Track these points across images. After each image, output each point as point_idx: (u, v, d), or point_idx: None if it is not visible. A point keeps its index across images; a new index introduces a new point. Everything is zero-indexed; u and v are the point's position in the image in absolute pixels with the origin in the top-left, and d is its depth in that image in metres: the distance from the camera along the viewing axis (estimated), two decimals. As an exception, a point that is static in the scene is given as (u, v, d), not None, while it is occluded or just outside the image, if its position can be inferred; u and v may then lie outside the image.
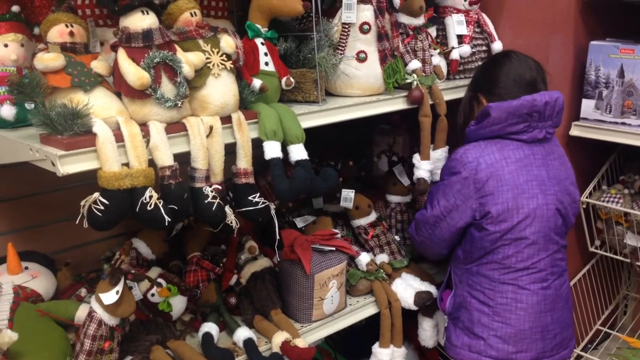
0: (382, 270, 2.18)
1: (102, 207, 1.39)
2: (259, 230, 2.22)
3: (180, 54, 1.53)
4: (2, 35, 1.65)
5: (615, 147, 2.57)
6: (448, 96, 2.21)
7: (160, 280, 1.82)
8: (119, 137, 1.43)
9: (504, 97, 1.89)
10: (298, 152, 1.75)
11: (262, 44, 1.79)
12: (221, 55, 1.61)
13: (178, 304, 1.85)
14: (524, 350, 1.91)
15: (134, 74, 1.45)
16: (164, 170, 1.51)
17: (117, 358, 1.63)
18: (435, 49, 2.26)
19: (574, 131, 2.39)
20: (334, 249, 1.99)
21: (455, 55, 2.30)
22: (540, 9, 2.31)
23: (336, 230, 2.12)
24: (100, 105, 1.45)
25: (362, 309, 2.11)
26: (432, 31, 2.31)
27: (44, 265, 1.88)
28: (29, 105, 1.45)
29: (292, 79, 1.83)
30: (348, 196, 2.22)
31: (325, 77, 1.95)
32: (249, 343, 1.81)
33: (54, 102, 1.41)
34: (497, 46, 2.37)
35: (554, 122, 1.91)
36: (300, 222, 2.25)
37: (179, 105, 1.52)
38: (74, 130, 1.38)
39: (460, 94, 2.27)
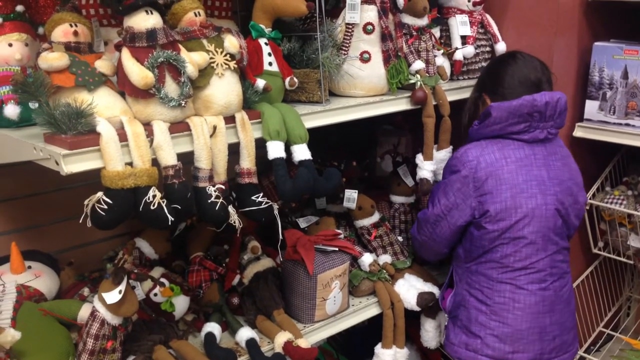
0: (384, 271, 2.18)
1: (105, 207, 1.40)
2: (261, 230, 2.22)
3: (184, 53, 1.53)
4: (6, 34, 1.65)
5: (619, 148, 2.57)
6: (451, 97, 2.21)
7: (163, 280, 1.82)
8: (122, 137, 1.43)
9: (508, 98, 1.90)
10: (301, 152, 1.75)
11: (265, 44, 1.79)
12: (225, 55, 1.61)
13: (181, 303, 1.85)
14: (521, 351, 1.90)
15: (138, 73, 1.45)
16: (168, 169, 1.51)
17: (119, 357, 1.63)
18: (438, 50, 2.26)
19: (578, 132, 2.39)
20: (336, 249, 1.99)
21: (458, 56, 2.30)
22: (544, 10, 2.31)
23: (339, 231, 2.12)
24: (104, 105, 1.45)
25: (365, 310, 2.11)
26: (436, 32, 2.31)
27: (47, 265, 1.88)
28: (33, 105, 1.45)
29: (295, 79, 1.83)
30: (351, 197, 2.22)
31: (329, 78, 1.95)
32: (251, 343, 1.81)
33: (58, 102, 1.41)
34: (501, 47, 2.36)
35: (556, 122, 1.91)
36: (303, 223, 2.25)
37: (183, 104, 1.52)
38: (78, 129, 1.38)
39: (463, 94, 2.27)
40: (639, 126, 2.25)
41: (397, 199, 2.44)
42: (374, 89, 2.01)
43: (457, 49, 2.30)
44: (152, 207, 1.45)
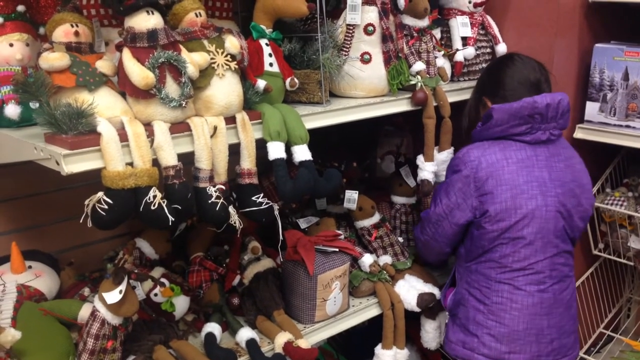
0: (385, 272, 2.18)
1: (106, 207, 1.40)
2: (262, 230, 2.22)
3: (184, 54, 1.53)
4: (7, 34, 1.65)
5: (620, 149, 2.57)
6: (452, 98, 2.21)
7: (163, 280, 1.82)
8: (123, 137, 1.43)
9: (509, 99, 1.90)
10: (302, 153, 1.76)
11: (266, 44, 1.80)
12: (226, 56, 1.61)
13: (181, 304, 1.85)
14: (517, 352, 1.90)
15: (139, 73, 1.45)
16: (168, 170, 1.51)
17: (119, 357, 1.63)
18: (439, 51, 2.26)
19: (578, 134, 2.39)
20: (337, 250, 1.99)
21: (459, 57, 2.30)
22: (544, 11, 2.31)
23: (339, 232, 2.12)
24: (104, 105, 1.45)
25: (365, 310, 2.11)
26: (437, 33, 2.31)
27: (47, 265, 1.88)
28: (34, 105, 1.46)
29: (296, 80, 1.83)
30: (352, 197, 2.22)
31: (330, 78, 1.95)
32: (251, 343, 1.81)
33: (59, 102, 1.41)
34: (502, 48, 2.37)
35: (558, 123, 1.91)
36: (303, 223, 2.25)
37: (183, 105, 1.52)
38: (79, 129, 1.38)
39: (464, 95, 2.27)
40: (639, 128, 2.25)
41: (399, 199, 2.44)
42: (375, 90, 2.01)
43: (457, 50, 2.31)
44: (152, 208, 1.45)
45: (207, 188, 1.60)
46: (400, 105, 2.07)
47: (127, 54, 1.48)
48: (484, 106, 2.02)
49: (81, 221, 1.40)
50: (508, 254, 1.89)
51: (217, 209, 1.60)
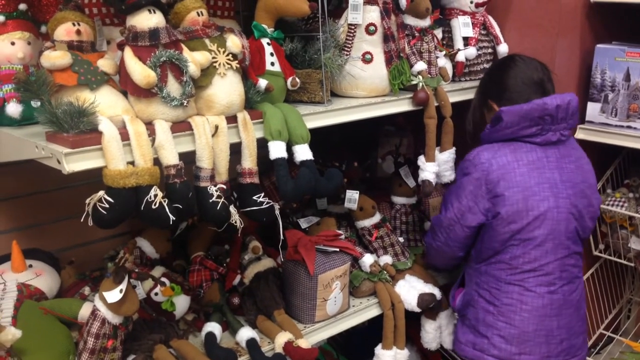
0: (385, 272, 2.18)
1: (107, 206, 1.40)
2: (262, 230, 2.22)
3: (186, 53, 1.53)
4: (9, 33, 1.65)
5: (621, 150, 2.56)
6: (453, 98, 2.21)
7: (163, 279, 1.82)
8: (124, 136, 1.43)
9: (515, 101, 1.91)
10: (303, 153, 1.76)
11: (268, 44, 1.79)
12: (227, 55, 1.61)
13: (181, 303, 1.85)
14: (527, 353, 1.90)
15: (140, 72, 1.45)
16: (169, 169, 1.51)
17: (120, 357, 1.63)
18: (441, 51, 2.26)
19: (579, 134, 2.38)
20: (337, 250, 1.99)
21: (461, 57, 2.30)
22: (546, 11, 2.31)
23: (340, 232, 2.12)
24: (106, 104, 1.45)
25: (365, 311, 2.11)
26: (438, 33, 2.31)
27: (48, 264, 1.88)
28: (35, 103, 1.46)
29: (297, 80, 1.83)
30: (352, 197, 2.22)
31: (331, 78, 1.95)
32: (251, 343, 1.81)
33: (60, 100, 1.41)
34: (503, 48, 2.36)
35: (568, 124, 1.91)
36: (304, 223, 2.25)
37: (185, 104, 1.52)
38: (80, 128, 1.38)
39: (465, 96, 2.27)
40: (640, 128, 2.25)
41: (399, 199, 2.44)
42: (376, 90, 2.01)
43: (459, 50, 2.30)
44: (153, 207, 1.45)
45: (208, 187, 1.60)
46: (402, 105, 2.07)
47: (128, 53, 1.48)
48: (490, 109, 2.02)
49: (82, 220, 1.40)
50: (518, 255, 1.88)
51: (218, 208, 1.60)
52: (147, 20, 1.49)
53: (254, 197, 1.71)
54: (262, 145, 1.72)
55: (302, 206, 2.41)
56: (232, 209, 1.65)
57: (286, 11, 1.78)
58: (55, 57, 1.43)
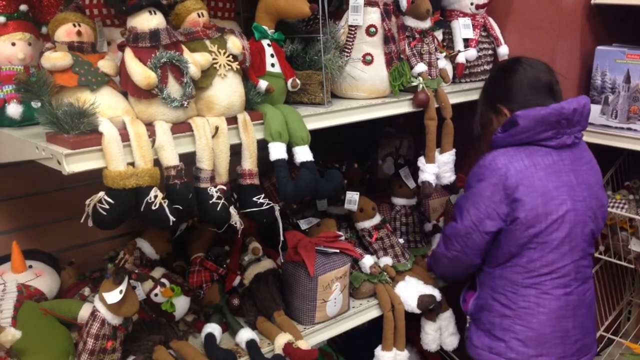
0: (385, 273, 2.18)
1: (107, 206, 1.40)
2: (262, 231, 2.22)
3: (187, 54, 1.53)
4: (10, 34, 1.66)
5: (621, 152, 2.57)
6: (454, 99, 2.21)
7: (163, 280, 1.82)
8: (124, 137, 1.43)
9: (528, 104, 1.90)
10: (303, 154, 1.76)
11: (268, 45, 1.80)
12: (228, 56, 1.61)
13: (181, 304, 1.85)
14: (544, 354, 1.91)
15: (141, 73, 1.45)
16: (169, 170, 1.51)
17: (119, 357, 1.63)
18: (441, 53, 2.26)
19: (580, 136, 2.38)
20: (337, 251, 1.99)
21: (461, 58, 2.30)
22: (546, 13, 2.31)
23: (340, 233, 2.12)
24: (106, 105, 1.45)
25: (365, 312, 2.11)
26: (439, 34, 2.31)
27: (48, 264, 1.88)
28: (36, 104, 1.46)
29: (298, 81, 1.83)
30: (352, 198, 2.22)
31: (331, 79, 1.95)
32: (251, 344, 1.80)
33: (61, 101, 1.41)
34: (504, 50, 2.37)
35: (582, 126, 1.92)
36: (304, 224, 2.24)
37: (185, 105, 1.52)
38: (80, 129, 1.38)
39: (466, 97, 2.27)
40: (640, 130, 2.25)
41: (399, 201, 2.44)
42: (376, 91, 2.01)
43: (459, 51, 2.30)
44: (153, 208, 1.45)
45: (208, 188, 1.60)
46: (402, 106, 2.07)
47: (129, 54, 1.48)
48: (499, 112, 2.01)
49: (82, 221, 1.40)
50: (535, 258, 1.88)
51: (218, 209, 1.60)
52: (148, 21, 1.49)
53: (254, 198, 1.71)
54: (262, 147, 1.72)
55: (302, 207, 2.41)
56: (232, 210, 1.65)
57: (287, 12, 1.78)
58: (56, 58, 1.43)
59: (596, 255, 2.60)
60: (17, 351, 1.49)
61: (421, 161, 2.18)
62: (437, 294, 2.17)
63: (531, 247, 1.87)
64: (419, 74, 2.08)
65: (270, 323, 1.91)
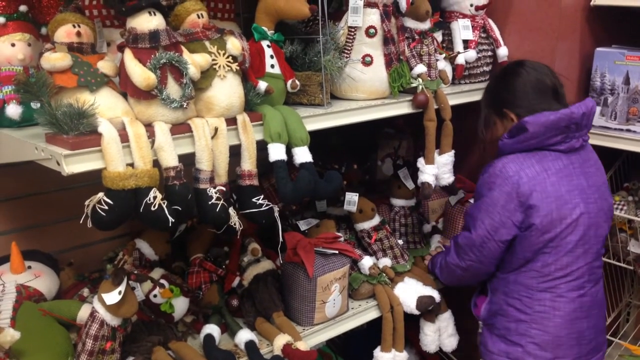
0: (384, 274, 2.18)
1: (106, 207, 1.40)
2: (262, 232, 2.22)
3: (186, 55, 1.53)
4: (9, 34, 1.66)
5: (620, 154, 2.57)
6: (453, 101, 2.21)
7: (162, 281, 1.82)
8: (124, 138, 1.43)
9: (534, 108, 1.89)
10: (302, 155, 1.76)
11: (268, 46, 1.80)
12: (227, 57, 1.61)
13: (180, 305, 1.85)
14: (561, 357, 1.91)
15: (140, 74, 1.45)
16: (169, 171, 1.51)
17: (118, 358, 1.63)
18: (440, 54, 2.26)
19: (579, 137, 2.38)
20: (336, 252, 1.99)
21: (460, 60, 2.30)
22: (546, 15, 2.31)
23: (339, 234, 2.11)
24: (106, 106, 1.45)
25: (364, 313, 2.11)
26: (438, 36, 2.31)
27: (47, 265, 1.88)
28: (35, 105, 1.46)
29: (297, 82, 1.83)
30: (352, 199, 2.22)
31: (331, 80, 1.95)
32: (250, 345, 1.80)
33: (60, 102, 1.41)
34: (503, 51, 2.37)
35: (588, 129, 1.93)
36: (303, 225, 2.24)
37: (185, 106, 1.52)
38: (80, 130, 1.38)
39: (465, 98, 2.27)
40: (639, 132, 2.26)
41: (398, 202, 2.43)
42: (376, 92, 2.01)
43: (459, 53, 2.31)
44: (152, 208, 1.45)
45: (208, 189, 1.60)
46: (401, 107, 2.07)
47: (128, 55, 1.48)
48: (505, 118, 2.00)
49: (81, 221, 1.40)
50: (550, 262, 1.88)
51: (217, 210, 1.60)
52: (147, 22, 1.49)
53: (254, 199, 1.71)
54: (261, 148, 1.72)
55: (301, 208, 2.41)
56: (231, 211, 1.65)
57: (286, 14, 1.78)
58: (56, 59, 1.43)
59: (595, 256, 2.61)
60: (16, 352, 1.49)
61: (420, 162, 2.18)
62: (436, 295, 2.17)
63: (546, 252, 1.87)
64: (419, 75, 2.08)
65: (269, 324, 1.91)
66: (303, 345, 1.81)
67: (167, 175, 1.51)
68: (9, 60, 1.65)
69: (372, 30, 1.96)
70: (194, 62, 1.53)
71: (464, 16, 2.33)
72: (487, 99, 2.12)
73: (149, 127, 1.49)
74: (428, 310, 2.17)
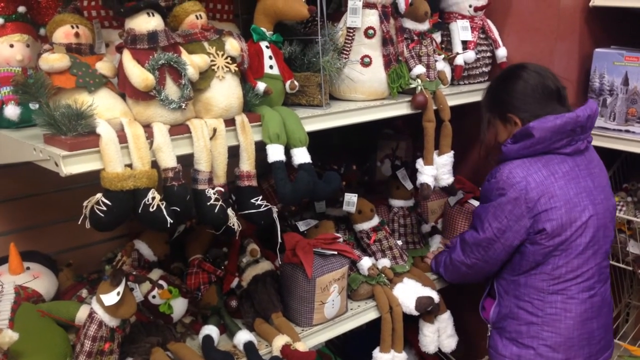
0: (383, 275, 2.18)
1: (104, 208, 1.40)
2: (261, 233, 2.22)
3: (185, 56, 1.53)
4: (8, 35, 1.66)
5: (619, 154, 2.57)
6: (452, 101, 2.21)
7: (161, 282, 1.82)
8: (122, 138, 1.43)
9: (538, 113, 1.89)
10: (301, 156, 1.75)
11: (266, 47, 1.80)
12: (226, 58, 1.61)
13: (179, 306, 1.85)
14: (572, 357, 1.93)
15: (139, 75, 1.45)
16: (167, 171, 1.51)
17: (117, 359, 1.63)
18: (439, 55, 2.26)
19: (578, 138, 2.38)
20: (335, 253, 1.99)
21: (459, 61, 2.30)
22: (545, 15, 2.31)
23: (338, 235, 2.11)
24: (104, 106, 1.45)
25: (363, 314, 2.11)
26: (437, 37, 2.31)
27: (45, 266, 1.88)
28: (34, 106, 1.46)
29: (296, 83, 1.83)
30: (351, 200, 2.22)
31: (330, 81, 1.95)
32: (249, 346, 1.80)
33: (59, 103, 1.41)
34: (502, 52, 2.37)
35: (591, 130, 1.94)
36: (302, 226, 2.24)
37: (183, 107, 1.52)
38: (78, 130, 1.38)
39: (464, 99, 2.27)
40: (638, 133, 2.25)
41: (396, 202, 2.43)
42: (375, 93, 2.01)
43: (458, 54, 2.31)
44: (151, 209, 1.45)
45: (206, 190, 1.60)
46: (400, 108, 2.07)
47: (127, 56, 1.48)
48: (509, 122, 1.99)
49: (80, 222, 1.40)
50: (561, 265, 1.88)
51: (216, 211, 1.60)
52: (146, 23, 1.49)
53: (252, 200, 1.71)
54: (260, 148, 1.72)
55: (300, 209, 2.41)
56: (230, 211, 1.65)
57: (285, 14, 1.78)
58: (54, 60, 1.43)
59: (594, 257, 2.61)
60: (14, 353, 1.48)
61: (419, 163, 2.18)
62: (435, 296, 2.17)
63: (556, 255, 1.88)
64: (418, 76, 2.08)
65: (268, 325, 1.91)
66: (302, 346, 1.81)
67: (166, 176, 1.51)
68: (8, 61, 1.65)
69: (371, 31, 1.96)
70: (193, 63, 1.53)
71: (463, 17, 2.33)
72: (489, 102, 2.11)
73: (147, 128, 1.49)
74: (427, 310, 2.17)
